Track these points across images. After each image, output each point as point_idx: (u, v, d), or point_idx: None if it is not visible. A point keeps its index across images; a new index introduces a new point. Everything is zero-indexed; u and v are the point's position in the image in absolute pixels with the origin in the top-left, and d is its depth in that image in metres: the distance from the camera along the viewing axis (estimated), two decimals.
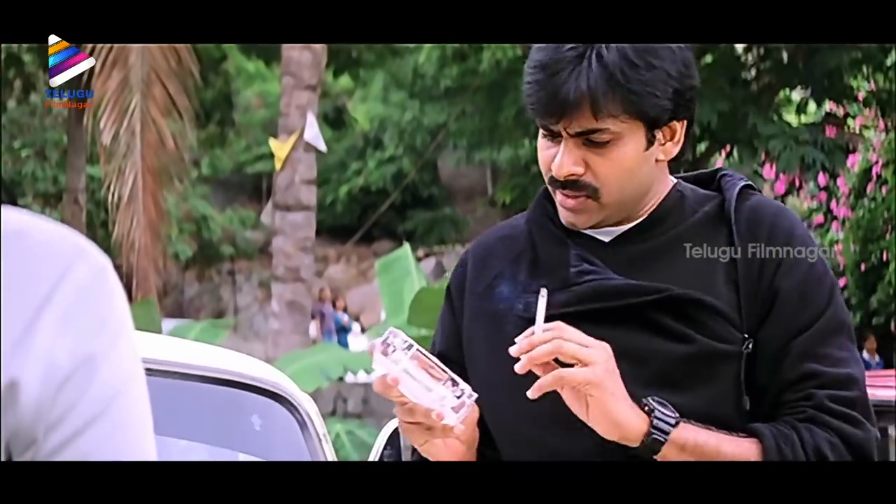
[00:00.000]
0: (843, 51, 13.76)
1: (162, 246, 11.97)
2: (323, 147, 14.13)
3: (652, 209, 1.97)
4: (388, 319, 12.63)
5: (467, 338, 2.03)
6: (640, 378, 1.85)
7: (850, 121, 14.86)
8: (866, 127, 15.49)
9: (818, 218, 15.91)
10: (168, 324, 14.30)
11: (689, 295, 1.88)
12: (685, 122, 1.95)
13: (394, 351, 1.83)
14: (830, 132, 14.04)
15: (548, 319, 1.82)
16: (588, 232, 1.97)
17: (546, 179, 1.95)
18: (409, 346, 1.84)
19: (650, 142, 1.92)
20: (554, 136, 1.92)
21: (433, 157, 29.31)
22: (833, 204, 15.57)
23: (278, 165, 13.97)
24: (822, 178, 14.45)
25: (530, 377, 1.81)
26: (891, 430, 4.34)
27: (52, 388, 0.93)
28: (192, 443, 3.15)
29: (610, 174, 1.90)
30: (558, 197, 1.94)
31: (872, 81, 14.61)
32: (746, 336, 1.88)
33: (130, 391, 0.97)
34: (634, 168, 1.91)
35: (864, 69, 14.21)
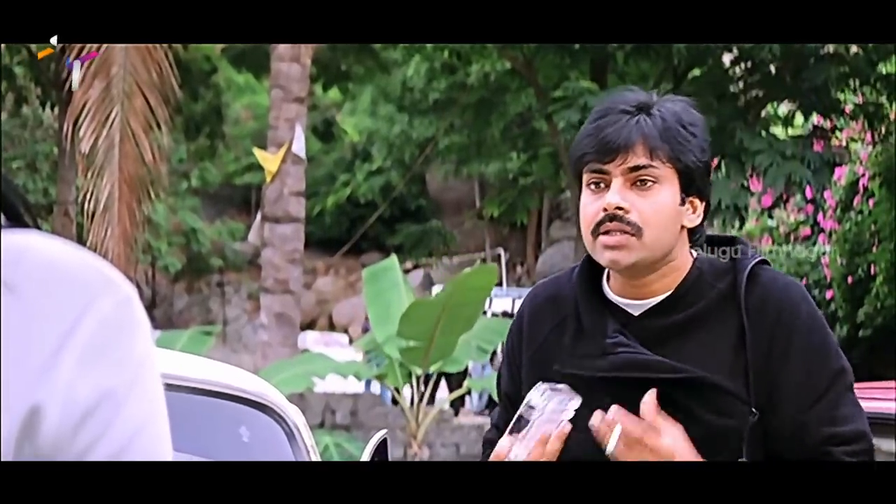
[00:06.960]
0: (831, 65, 13.80)
1: (136, 256, 11.89)
2: (303, 156, 14.21)
3: (675, 286, 2.25)
4: (375, 330, 12.63)
5: (524, 382, 2.34)
6: None
7: (837, 133, 14.85)
8: (853, 139, 15.51)
9: (805, 230, 15.93)
10: (153, 334, 14.25)
11: (702, 379, 2.17)
12: (704, 204, 2.28)
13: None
14: (818, 146, 14.03)
15: (586, 380, 2.21)
16: (621, 304, 2.27)
17: (589, 230, 2.22)
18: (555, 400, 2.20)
19: (682, 200, 2.23)
20: (599, 186, 2.23)
21: (421, 170, 29.31)
22: (820, 216, 15.58)
23: (269, 178, 13.98)
24: (809, 191, 14.46)
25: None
26: (888, 445, 4.36)
27: (72, 421, 0.92)
28: (180, 454, 3.16)
29: (651, 214, 2.20)
30: (602, 239, 2.21)
31: (860, 94, 14.61)
32: (754, 410, 2.15)
33: (152, 427, 0.97)
34: (669, 217, 2.22)
35: (852, 82, 14.21)
